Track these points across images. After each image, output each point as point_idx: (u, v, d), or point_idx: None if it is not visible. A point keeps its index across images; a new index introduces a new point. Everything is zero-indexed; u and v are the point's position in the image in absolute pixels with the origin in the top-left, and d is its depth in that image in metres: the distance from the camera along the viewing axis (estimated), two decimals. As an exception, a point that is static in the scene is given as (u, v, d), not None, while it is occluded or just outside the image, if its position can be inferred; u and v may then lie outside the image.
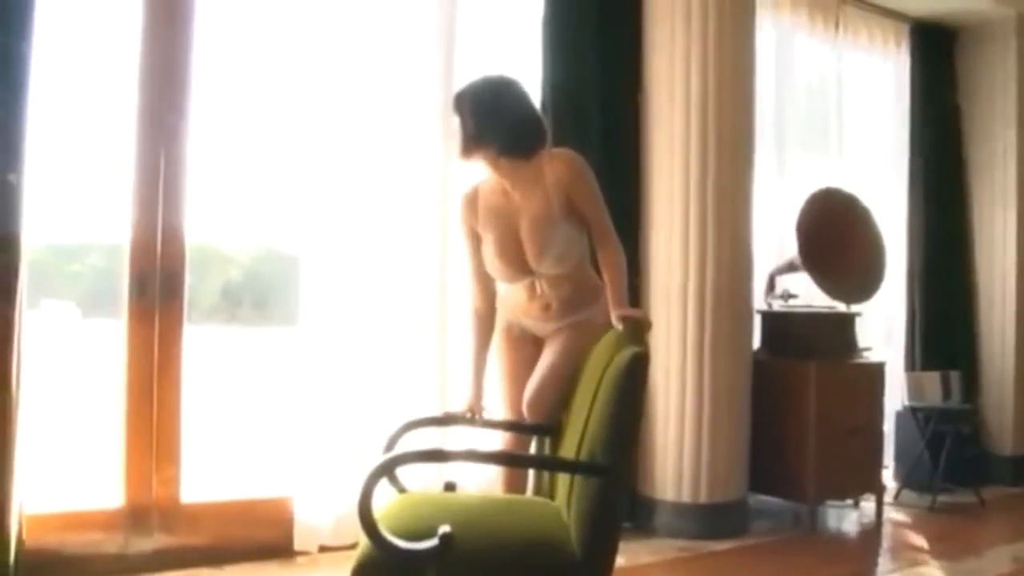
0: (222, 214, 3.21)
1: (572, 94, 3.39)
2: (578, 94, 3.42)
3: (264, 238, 3.43)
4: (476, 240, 2.50)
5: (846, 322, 3.78)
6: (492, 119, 2.36)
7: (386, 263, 3.12)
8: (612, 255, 2.40)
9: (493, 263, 2.46)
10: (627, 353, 1.76)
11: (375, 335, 3.08)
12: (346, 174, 3.07)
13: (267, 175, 3.24)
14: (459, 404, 2.53)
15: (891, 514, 3.87)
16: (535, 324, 2.53)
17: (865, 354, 3.80)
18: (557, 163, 2.39)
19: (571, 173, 2.38)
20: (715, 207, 3.37)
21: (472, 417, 2.46)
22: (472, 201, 2.50)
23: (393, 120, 3.14)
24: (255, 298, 3.62)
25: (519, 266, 2.43)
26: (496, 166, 2.41)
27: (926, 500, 4.02)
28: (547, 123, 2.48)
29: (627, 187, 3.49)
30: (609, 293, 2.39)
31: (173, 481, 2.81)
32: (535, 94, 3.13)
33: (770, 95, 4.07)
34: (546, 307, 2.47)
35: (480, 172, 2.49)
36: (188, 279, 2.85)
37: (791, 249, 3.77)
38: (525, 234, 2.40)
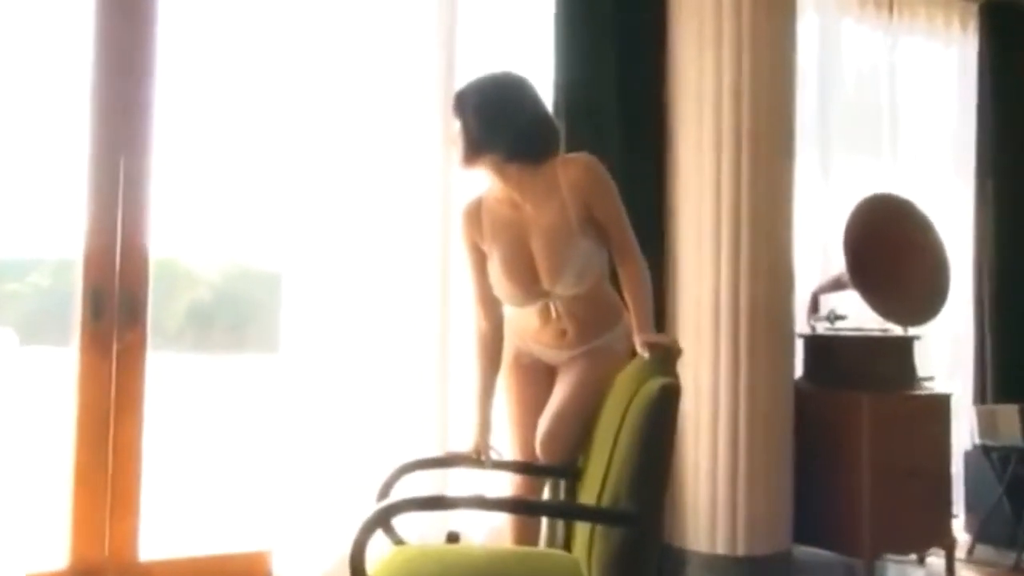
0: (191, 225, 3.24)
1: (587, 92, 3.45)
2: (594, 92, 3.48)
3: (240, 252, 3.47)
4: (480, 257, 2.54)
5: (903, 347, 3.80)
6: (498, 120, 2.40)
7: (380, 281, 3.16)
8: (635, 272, 2.43)
9: (501, 284, 2.49)
10: (655, 384, 1.78)
11: (367, 363, 3.10)
12: (335, 180, 3.13)
13: (243, 181, 3.29)
14: (463, 443, 2.56)
15: (965, 573, 3.83)
16: (548, 352, 2.56)
17: (926, 385, 3.81)
18: (572, 169, 2.42)
19: (589, 179, 2.41)
20: (750, 217, 3.42)
21: (478, 458, 2.48)
22: (475, 214, 2.54)
23: (388, 122, 3.17)
24: (229, 321, 3.64)
25: (531, 287, 2.46)
26: (503, 174, 2.44)
27: (1007, 557, 3.94)
28: (560, 125, 2.53)
29: (650, 196, 3.55)
30: (632, 316, 2.41)
31: (130, 536, 2.82)
32: (546, 93, 3.19)
33: (813, 89, 4.13)
34: (561, 333, 2.50)
35: (485, 181, 2.54)
36: (151, 299, 2.87)
37: (838, 264, 3.80)
38: (538, 251, 2.43)
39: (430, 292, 3.21)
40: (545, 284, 2.44)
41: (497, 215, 2.50)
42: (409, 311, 3.18)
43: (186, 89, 3.06)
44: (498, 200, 2.51)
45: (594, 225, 2.43)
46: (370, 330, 3.13)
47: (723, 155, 3.44)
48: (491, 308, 2.56)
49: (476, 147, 2.41)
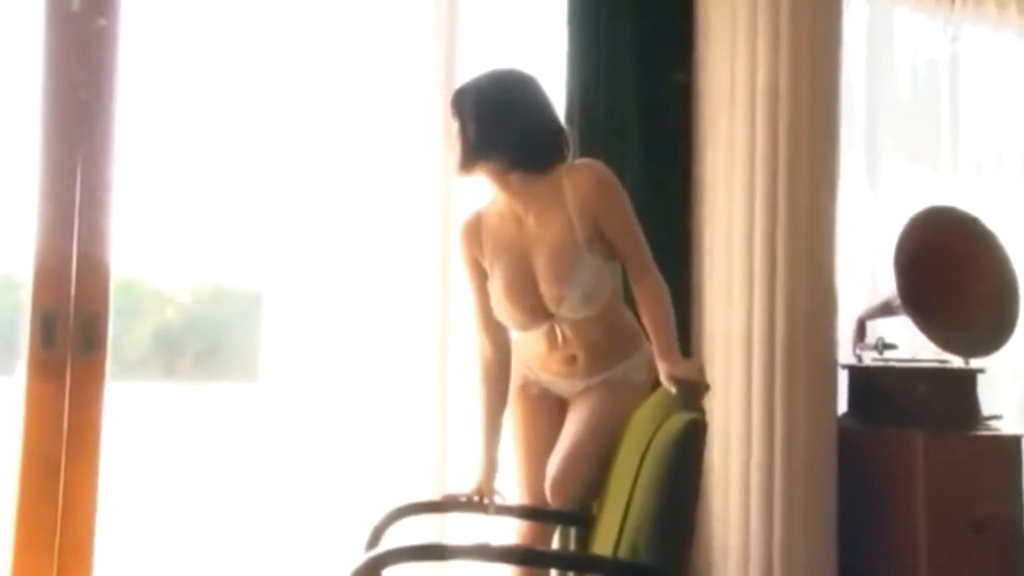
0: (157, 239, 3.25)
1: (603, 94, 3.49)
2: (611, 94, 3.51)
3: (213, 269, 3.49)
4: (482, 277, 2.60)
5: (964, 381, 3.77)
6: (499, 125, 2.45)
7: (373, 300, 3.20)
8: (653, 291, 2.48)
9: (502, 306, 2.55)
10: (678, 421, 1.81)
11: (357, 394, 3.14)
12: (322, 187, 3.15)
13: (218, 189, 3.31)
14: (464, 484, 2.60)
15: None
16: (558, 382, 2.63)
17: (992, 424, 3.78)
18: (578, 177, 2.47)
19: (596, 189, 2.46)
20: (788, 234, 3.44)
21: (480, 501, 2.52)
22: (474, 229, 2.60)
23: (383, 125, 3.23)
24: (201, 346, 3.65)
25: (534, 309, 2.51)
26: (504, 183, 2.51)
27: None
28: (569, 132, 2.59)
29: (674, 210, 3.58)
30: (653, 341, 2.46)
31: (81, 599, 2.79)
32: (557, 95, 3.25)
33: (860, 88, 4.14)
34: (570, 359, 2.56)
35: (487, 191, 2.60)
36: (112, 323, 2.87)
37: (887, 286, 3.80)
38: (541, 269, 2.48)
39: (429, 314, 3.25)
40: (549, 305, 2.49)
41: (498, 231, 2.56)
42: (405, 336, 3.22)
43: (154, 87, 3.10)
44: (500, 214, 2.57)
45: (604, 240, 2.47)
46: (361, 357, 3.16)
47: (757, 164, 3.46)
48: (496, 334, 2.62)
49: (474, 153, 2.47)
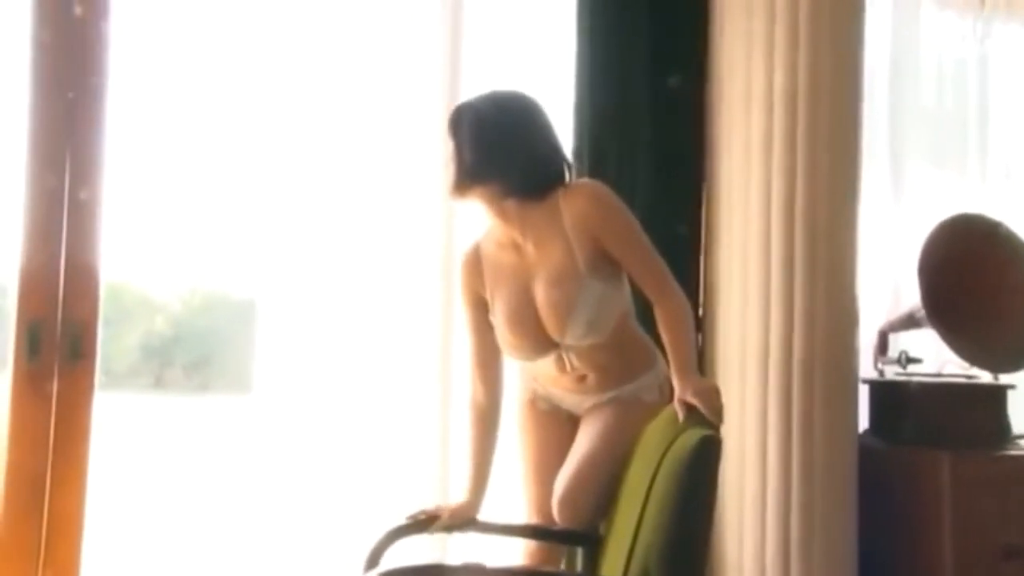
0: (146, 246, 3.28)
1: (613, 100, 3.53)
2: (622, 99, 3.54)
3: (205, 275, 3.49)
4: (482, 314, 2.65)
5: (993, 398, 3.75)
6: (497, 150, 2.50)
7: (373, 309, 3.25)
8: (674, 309, 2.52)
9: (505, 338, 2.60)
10: (691, 437, 1.86)
11: (357, 407, 3.19)
12: (317, 193, 3.20)
13: (209, 194, 3.33)
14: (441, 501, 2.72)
15: None
16: (568, 397, 2.70)
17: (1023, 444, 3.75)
18: (576, 200, 2.51)
19: (594, 210, 2.50)
20: (806, 242, 3.42)
21: (427, 519, 2.56)
22: (474, 261, 2.66)
23: (381, 131, 3.28)
24: (192, 357, 3.67)
25: (538, 339, 2.57)
26: (499, 210, 2.55)
27: None
28: (577, 142, 2.69)
29: (686, 219, 3.61)
30: (671, 359, 2.49)
31: (68, 614, 2.81)
32: (566, 99, 3.44)
33: (884, 89, 4.15)
34: (580, 378, 2.63)
35: (483, 215, 2.64)
36: (101, 332, 2.90)
37: (911, 297, 3.81)
38: (541, 298, 2.53)
39: (431, 322, 3.29)
40: (552, 335, 2.55)
41: (497, 260, 2.62)
42: (406, 345, 3.26)
43: (145, 87, 3.14)
44: (499, 243, 2.62)
45: (609, 262, 2.51)
46: (360, 367, 3.22)
47: (774, 170, 3.45)
48: (490, 379, 2.68)
49: (468, 177, 2.52)
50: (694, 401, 2.26)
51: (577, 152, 3.47)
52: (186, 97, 3.24)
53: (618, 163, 3.42)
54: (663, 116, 3.59)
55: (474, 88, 2.72)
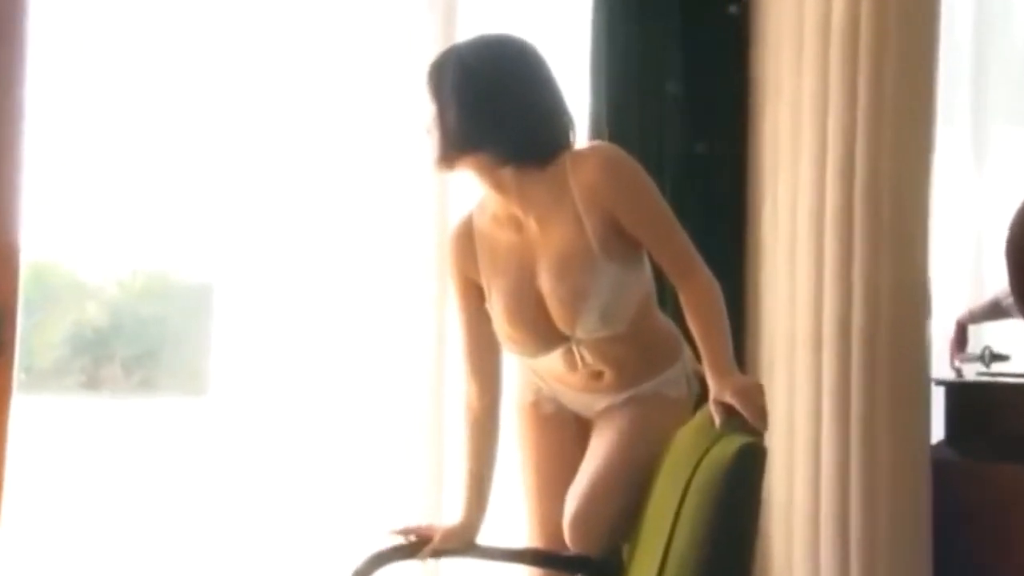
0: (79, 221, 3.21)
1: (642, 24, 3.46)
2: (651, 26, 3.48)
3: (148, 255, 3.40)
4: (475, 302, 2.60)
5: None
6: (488, 108, 2.43)
7: (353, 294, 3.22)
8: (703, 293, 2.45)
9: (504, 331, 2.54)
10: (731, 445, 1.82)
11: (334, 411, 3.14)
12: (284, 161, 3.14)
13: (155, 161, 3.26)
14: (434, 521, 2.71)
15: None
16: (579, 398, 2.62)
17: None
18: (584, 165, 2.45)
19: (607, 174, 2.43)
20: (867, 214, 3.31)
21: (414, 543, 2.52)
22: (465, 240, 2.60)
23: (362, 97, 3.24)
24: (134, 350, 3.57)
25: (544, 332, 2.50)
26: (495, 180, 2.48)
27: None
28: (573, 116, 2.54)
29: (725, 182, 3.56)
30: (703, 354, 2.42)
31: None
32: (583, 36, 3.42)
33: (967, 37, 4.11)
34: (595, 375, 2.55)
35: (476, 187, 2.57)
36: (21, 321, 2.83)
37: (996, 282, 3.74)
38: (547, 284, 2.47)
39: (422, 311, 3.25)
40: (561, 327, 2.49)
41: (493, 239, 2.56)
42: (394, 338, 3.23)
43: (73, 44, 3.12)
44: (495, 218, 2.56)
45: (625, 239, 2.45)
46: (339, 363, 3.20)
47: (829, 126, 3.34)
48: (487, 382, 2.62)
49: (455, 144, 2.45)
50: (732, 402, 2.21)
51: (594, 111, 3.43)
52: (124, 59, 3.27)
53: (640, 121, 3.37)
54: (698, 52, 3.54)
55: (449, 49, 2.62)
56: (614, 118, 3.42)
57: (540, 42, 2.58)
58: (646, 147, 3.14)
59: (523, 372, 2.70)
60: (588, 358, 2.51)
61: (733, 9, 3.57)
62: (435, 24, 3.32)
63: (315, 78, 3.24)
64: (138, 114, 3.24)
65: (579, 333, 2.46)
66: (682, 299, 2.47)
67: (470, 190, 2.72)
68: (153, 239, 3.37)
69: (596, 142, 2.60)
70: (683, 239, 2.47)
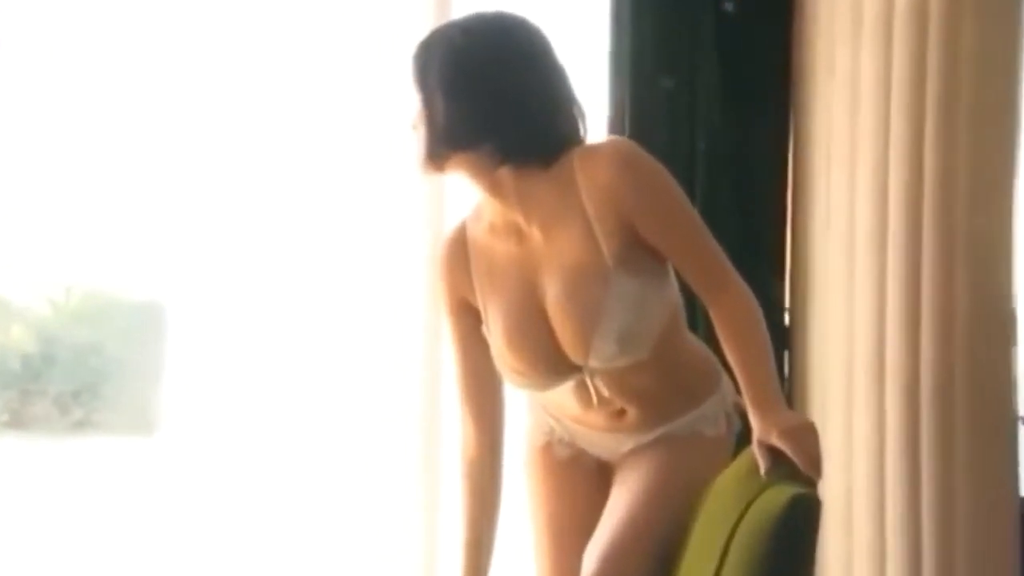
0: (4, 233, 3.18)
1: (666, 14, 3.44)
2: (678, 29, 3.45)
3: (85, 271, 3.42)
4: (469, 324, 2.51)
5: None
6: (482, 99, 2.34)
7: (331, 314, 3.22)
8: (737, 310, 2.35)
9: (504, 359, 2.44)
10: (780, 496, 1.83)
11: (309, 455, 3.22)
12: (241, 164, 3.18)
13: (91, 167, 3.28)
14: None
15: None
16: (599, 439, 2.54)
17: None
18: (596, 166, 2.35)
19: (623, 176, 2.32)
20: (937, 212, 3.15)
21: None
22: (458, 252, 2.52)
23: (343, 93, 3.25)
24: (68, 384, 3.59)
25: (551, 361, 2.41)
26: (491, 183, 2.38)
27: None
28: (583, 107, 2.45)
29: (767, 178, 3.52)
30: (741, 385, 2.33)
31: None
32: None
33: None
34: (617, 413, 2.46)
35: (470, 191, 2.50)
36: None
37: None
38: (553, 303, 2.37)
39: (412, 337, 3.24)
40: (571, 355, 2.38)
41: (490, 252, 2.47)
42: (379, 368, 3.24)
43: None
44: (492, 227, 2.46)
45: (645, 250, 2.36)
46: (315, 398, 3.22)
47: (892, 113, 3.19)
48: (485, 422, 2.54)
49: (445, 140, 2.35)
50: (780, 444, 2.11)
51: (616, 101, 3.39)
52: (71, 55, 3.30)
53: (670, 104, 3.31)
54: (737, 26, 3.46)
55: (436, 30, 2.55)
56: (635, 111, 3.39)
57: (548, 24, 2.50)
58: (675, 143, 3.08)
59: (533, 409, 2.62)
60: (605, 392, 2.40)
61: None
62: (429, 7, 3.34)
63: (295, 72, 3.31)
64: (74, 110, 3.24)
65: (593, 362, 2.35)
66: (714, 319, 2.35)
67: (468, 192, 2.64)
68: (91, 250, 3.37)
69: (610, 137, 2.54)
70: (713, 248, 2.36)
